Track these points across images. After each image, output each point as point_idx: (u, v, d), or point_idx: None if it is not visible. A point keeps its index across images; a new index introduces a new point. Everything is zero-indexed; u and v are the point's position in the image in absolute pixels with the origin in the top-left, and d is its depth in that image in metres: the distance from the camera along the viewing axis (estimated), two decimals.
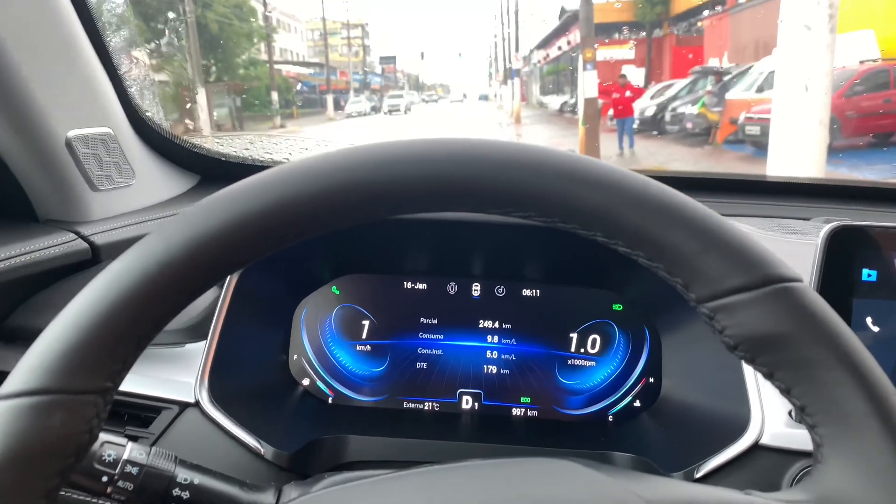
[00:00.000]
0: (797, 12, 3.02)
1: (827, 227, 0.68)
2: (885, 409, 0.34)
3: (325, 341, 0.85)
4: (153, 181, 1.00)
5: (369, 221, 0.36)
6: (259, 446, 0.67)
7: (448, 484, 0.37)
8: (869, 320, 0.68)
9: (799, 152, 3.06)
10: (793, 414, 0.66)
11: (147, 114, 0.98)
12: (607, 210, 0.35)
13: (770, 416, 0.65)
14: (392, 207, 0.37)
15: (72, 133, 0.81)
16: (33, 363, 0.32)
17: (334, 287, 0.85)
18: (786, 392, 0.36)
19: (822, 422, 0.35)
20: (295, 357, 0.84)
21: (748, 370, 0.68)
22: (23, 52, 0.74)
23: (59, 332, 0.33)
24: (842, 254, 0.68)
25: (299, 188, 0.35)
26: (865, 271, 0.68)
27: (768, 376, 0.36)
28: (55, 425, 0.31)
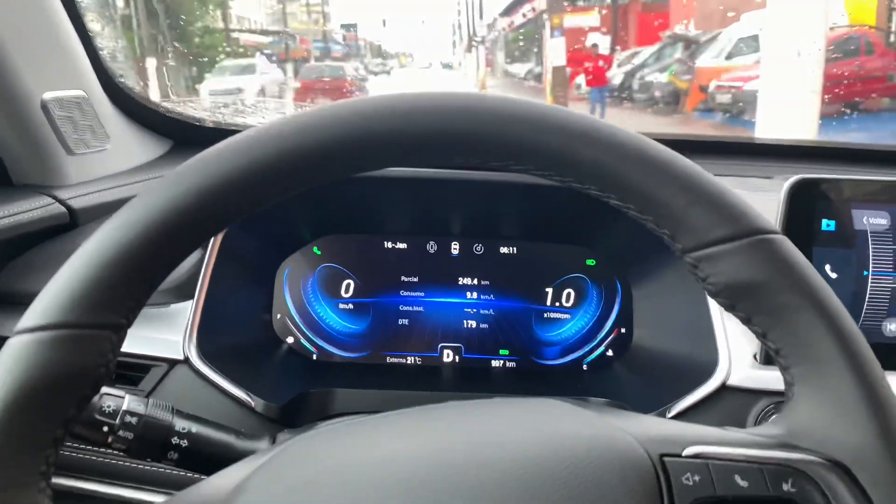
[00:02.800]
0: None
1: (789, 181, 0.71)
2: (852, 350, 0.36)
3: (307, 300, 0.86)
4: (127, 145, 1.00)
5: (377, 169, 0.38)
6: (249, 399, 0.69)
7: (442, 420, 0.39)
8: (828, 268, 0.71)
9: (792, 121, 3.07)
10: (757, 357, 0.70)
11: (119, 78, 0.97)
12: (603, 166, 0.37)
13: (736, 360, 0.69)
14: (397, 158, 0.38)
15: (47, 95, 0.81)
16: (51, 299, 0.33)
17: (315, 247, 0.87)
18: (762, 336, 0.39)
19: (794, 363, 0.38)
20: (278, 316, 0.86)
21: (715, 318, 0.72)
22: None
23: (76, 269, 0.34)
24: (802, 206, 0.71)
25: (306, 137, 0.36)
26: (824, 222, 0.72)
27: (746, 321, 0.39)
28: (72, 358, 0.33)
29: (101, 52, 0.93)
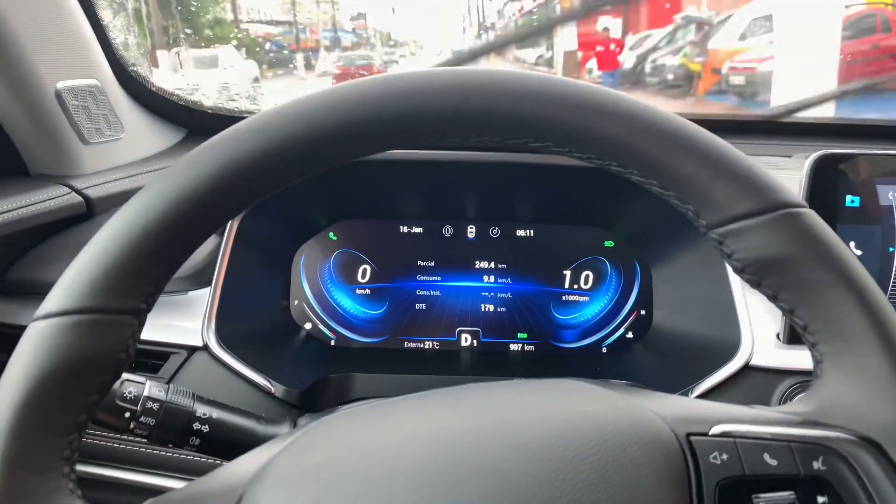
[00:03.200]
0: None
1: (812, 156, 0.70)
2: (884, 327, 0.35)
3: (324, 286, 0.86)
4: (141, 135, 1.00)
5: (395, 148, 0.38)
6: (269, 385, 0.69)
7: (465, 401, 0.38)
8: (852, 244, 0.70)
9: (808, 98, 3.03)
10: (781, 336, 0.69)
11: (132, 67, 0.97)
12: (623, 140, 0.36)
13: (759, 340, 0.68)
14: (413, 138, 0.37)
15: (61, 84, 0.80)
16: (71, 285, 0.33)
17: (331, 233, 0.86)
18: (789, 312, 0.38)
19: (822, 339, 0.37)
20: (296, 302, 0.86)
21: (738, 297, 0.71)
22: (8, 1, 0.73)
23: (95, 255, 0.34)
24: (825, 181, 0.70)
25: (325, 116, 0.36)
26: (848, 198, 0.70)
27: (772, 298, 0.38)
28: (93, 343, 0.33)
29: (113, 42, 0.92)
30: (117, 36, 0.94)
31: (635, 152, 0.37)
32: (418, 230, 0.86)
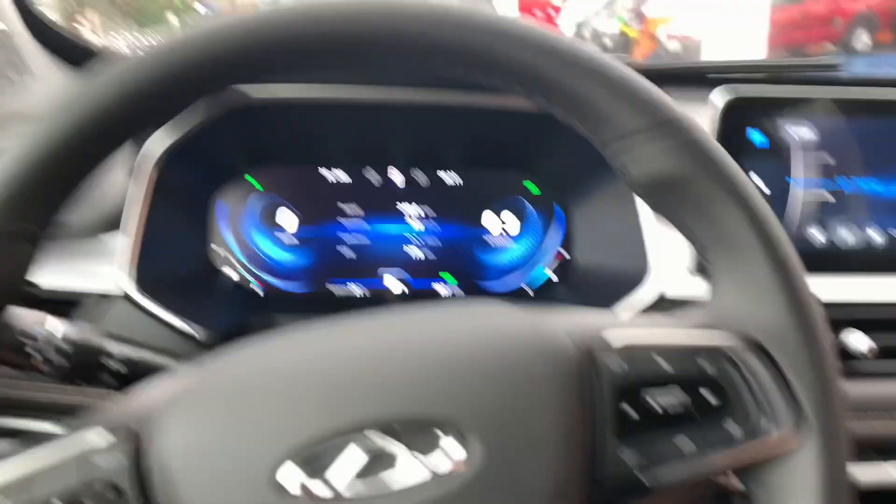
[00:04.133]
0: None
1: (724, 96, 0.72)
2: (768, 238, 0.38)
3: (247, 233, 0.85)
4: (54, 82, 0.96)
5: (297, 72, 0.37)
6: (191, 330, 0.68)
7: (373, 322, 0.39)
8: (761, 184, 0.74)
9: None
10: (692, 268, 0.72)
11: (38, 7, 0.92)
12: (527, 64, 0.37)
13: (672, 272, 0.71)
14: (322, 61, 0.37)
15: None
16: None
17: (252, 178, 0.85)
18: (683, 228, 0.40)
19: (714, 253, 0.39)
20: (217, 249, 0.85)
21: (646, 231, 0.73)
22: None
23: None
24: (736, 121, 0.72)
25: (223, 37, 0.35)
26: (758, 138, 0.73)
27: (669, 217, 0.40)
28: None
29: None
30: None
31: (537, 76, 0.37)
32: (341, 174, 0.86)
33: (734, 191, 0.38)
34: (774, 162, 0.73)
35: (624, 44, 10.41)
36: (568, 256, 0.87)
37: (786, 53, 8.26)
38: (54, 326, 0.51)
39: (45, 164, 0.33)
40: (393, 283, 0.87)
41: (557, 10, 10.91)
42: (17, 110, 0.87)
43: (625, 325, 0.39)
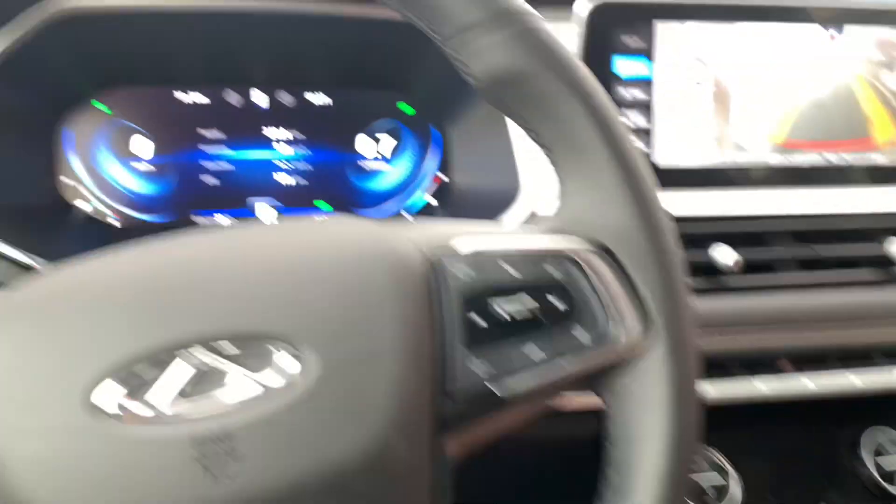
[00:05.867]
0: None
1: (589, 4, 0.69)
2: (611, 136, 0.36)
3: (98, 162, 0.79)
4: None
5: None
6: (32, 263, 0.63)
7: (221, 233, 0.36)
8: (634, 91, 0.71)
9: None
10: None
11: None
12: None
13: (545, 190, 0.70)
14: None
15: None
16: None
17: (99, 102, 0.78)
18: (528, 130, 0.38)
19: (560, 154, 0.38)
20: (67, 179, 0.78)
21: (519, 152, 0.71)
22: None
23: None
24: (602, 31, 0.70)
25: None
26: (624, 44, 0.71)
27: (514, 116, 0.38)
28: None
29: None
30: None
31: None
32: (200, 96, 0.79)
33: (576, 86, 0.36)
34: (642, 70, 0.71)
35: None
36: (447, 180, 0.84)
37: None
38: None
39: None
40: (265, 211, 0.82)
41: None
42: None
43: (473, 233, 0.37)
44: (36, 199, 0.75)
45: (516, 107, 0.38)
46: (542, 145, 0.39)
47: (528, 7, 0.36)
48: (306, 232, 0.36)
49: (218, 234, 0.36)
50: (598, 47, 0.69)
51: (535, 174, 0.71)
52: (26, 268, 0.64)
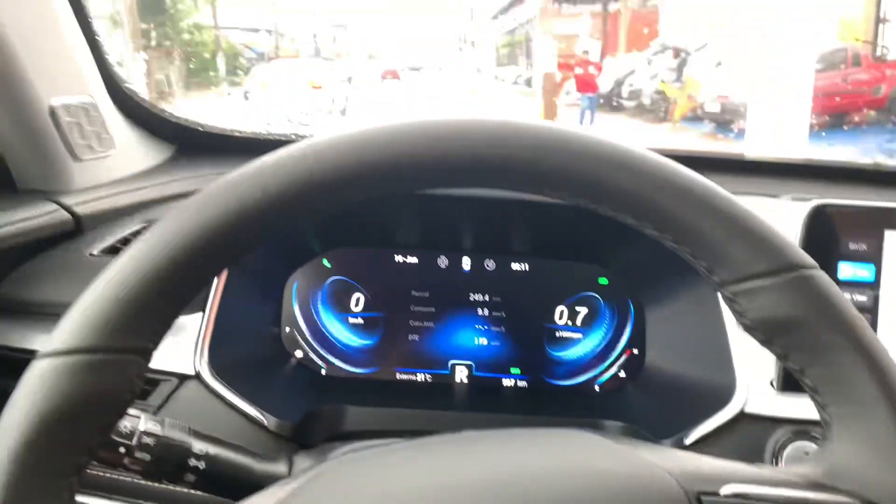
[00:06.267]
0: None
1: (809, 207, 0.71)
2: (894, 394, 0.36)
3: (316, 314, 0.85)
4: (131, 151, 0.98)
5: (416, 190, 0.39)
6: (262, 417, 0.68)
7: (474, 452, 0.38)
8: (847, 295, 0.71)
9: (782, 132, 3.08)
10: (774, 383, 0.70)
11: (126, 83, 0.95)
12: (639, 195, 0.37)
13: (753, 386, 0.69)
14: (442, 180, 0.38)
15: (55, 101, 0.79)
16: (77, 322, 0.33)
17: (325, 260, 0.86)
18: (799, 373, 0.38)
19: (833, 402, 0.37)
20: (287, 329, 0.85)
21: (733, 342, 0.71)
22: (8, 14, 0.71)
23: (104, 292, 0.33)
24: (823, 233, 0.71)
25: (349, 156, 0.36)
26: (850, 247, 0.71)
27: (783, 358, 0.38)
28: (98, 383, 0.32)
29: (107, 58, 0.91)
30: (111, 51, 0.93)
31: (651, 207, 0.37)
32: (413, 260, 0.86)
33: (859, 342, 0.36)
34: (864, 274, 0.71)
35: (662, 102, 10.49)
36: (637, 352, 0.85)
37: (828, 119, 8.23)
38: (146, 424, 0.51)
39: (162, 283, 0.34)
40: (462, 374, 0.85)
41: (599, 67, 11.05)
42: (100, 179, 0.90)
43: (742, 479, 0.37)
44: (261, 348, 0.82)
45: (788, 350, 0.38)
46: (811, 388, 0.39)
47: (810, 259, 0.37)
48: (568, 460, 0.37)
49: (483, 449, 0.37)
50: (821, 250, 0.70)
51: (748, 367, 0.70)
52: (253, 421, 0.68)
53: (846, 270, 0.70)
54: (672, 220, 0.37)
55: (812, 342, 0.37)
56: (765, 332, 0.38)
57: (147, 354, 0.34)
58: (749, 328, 0.39)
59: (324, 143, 0.36)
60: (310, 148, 0.36)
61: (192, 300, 0.36)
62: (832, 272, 0.70)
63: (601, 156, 0.37)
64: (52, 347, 0.32)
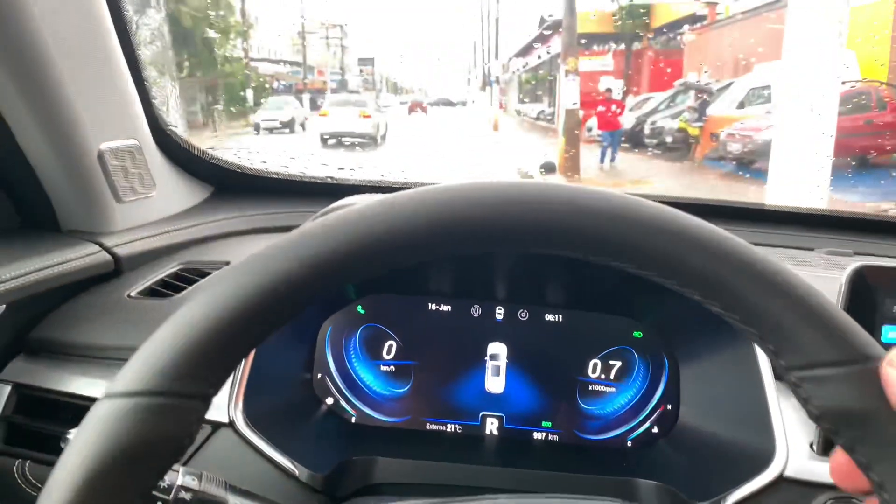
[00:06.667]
0: (804, 26, 3.00)
1: (849, 265, 0.70)
2: None
3: (348, 360, 0.85)
4: (171, 192, 1.00)
5: (468, 252, 0.38)
6: (293, 468, 0.68)
7: None
8: None
9: (805, 175, 3.05)
10: (814, 447, 0.68)
11: (169, 126, 0.97)
12: (713, 275, 0.36)
13: (793, 449, 0.68)
14: (490, 244, 0.37)
15: (104, 146, 0.81)
16: (145, 364, 0.33)
17: (359, 306, 0.86)
18: (865, 467, 0.37)
19: None
20: (319, 376, 0.85)
21: (772, 404, 0.70)
22: (67, 61, 0.73)
23: (173, 337, 0.34)
24: (865, 295, 0.70)
25: (418, 215, 0.36)
26: (894, 310, 0.70)
27: (849, 450, 0.37)
28: (161, 426, 0.33)
29: (154, 101, 0.93)
30: (157, 94, 0.96)
31: (722, 287, 0.37)
32: (446, 308, 0.86)
33: None
34: None
35: (684, 141, 10.48)
36: (670, 408, 0.84)
37: (852, 161, 8.16)
38: (183, 479, 0.51)
39: (232, 331, 0.34)
40: (490, 424, 0.85)
41: (621, 105, 11.10)
42: (140, 220, 0.92)
43: None
44: (294, 396, 0.82)
45: (854, 441, 0.37)
46: (875, 483, 0.38)
47: (882, 350, 0.36)
48: None
49: None
50: (864, 314, 0.69)
51: (790, 432, 0.69)
52: (285, 471, 0.68)
53: (891, 335, 0.69)
54: (742, 301, 0.37)
55: (881, 436, 0.36)
56: (831, 422, 0.37)
57: (208, 400, 0.35)
58: (815, 417, 0.38)
59: (392, 204, 0.36)
60: (373, 210, 0.36)
61: (256, 347, 0.36)
62: (876, 337, 0.68)
63: (678, 233, 0.36)
64: (117, 388, 0.33)
